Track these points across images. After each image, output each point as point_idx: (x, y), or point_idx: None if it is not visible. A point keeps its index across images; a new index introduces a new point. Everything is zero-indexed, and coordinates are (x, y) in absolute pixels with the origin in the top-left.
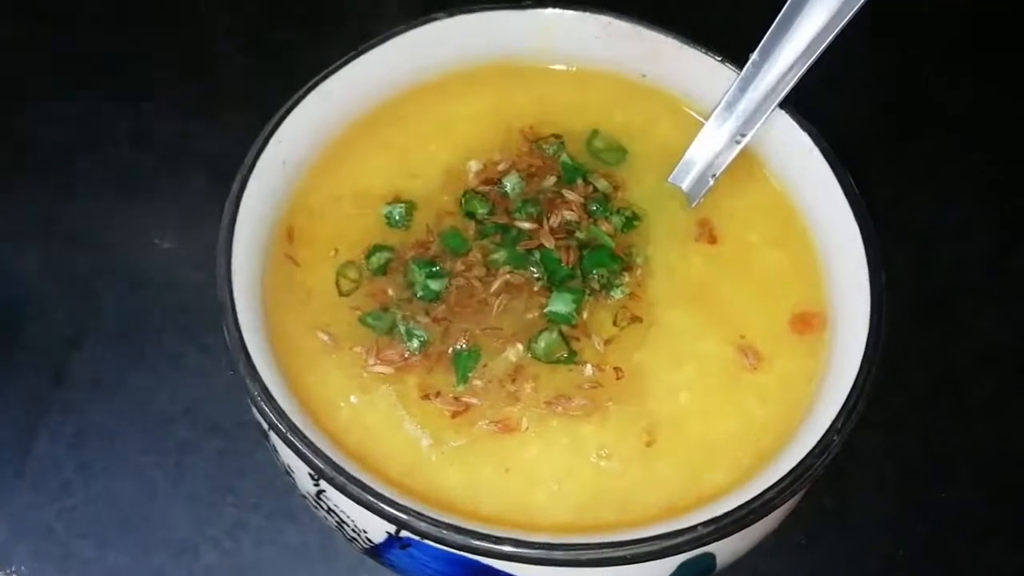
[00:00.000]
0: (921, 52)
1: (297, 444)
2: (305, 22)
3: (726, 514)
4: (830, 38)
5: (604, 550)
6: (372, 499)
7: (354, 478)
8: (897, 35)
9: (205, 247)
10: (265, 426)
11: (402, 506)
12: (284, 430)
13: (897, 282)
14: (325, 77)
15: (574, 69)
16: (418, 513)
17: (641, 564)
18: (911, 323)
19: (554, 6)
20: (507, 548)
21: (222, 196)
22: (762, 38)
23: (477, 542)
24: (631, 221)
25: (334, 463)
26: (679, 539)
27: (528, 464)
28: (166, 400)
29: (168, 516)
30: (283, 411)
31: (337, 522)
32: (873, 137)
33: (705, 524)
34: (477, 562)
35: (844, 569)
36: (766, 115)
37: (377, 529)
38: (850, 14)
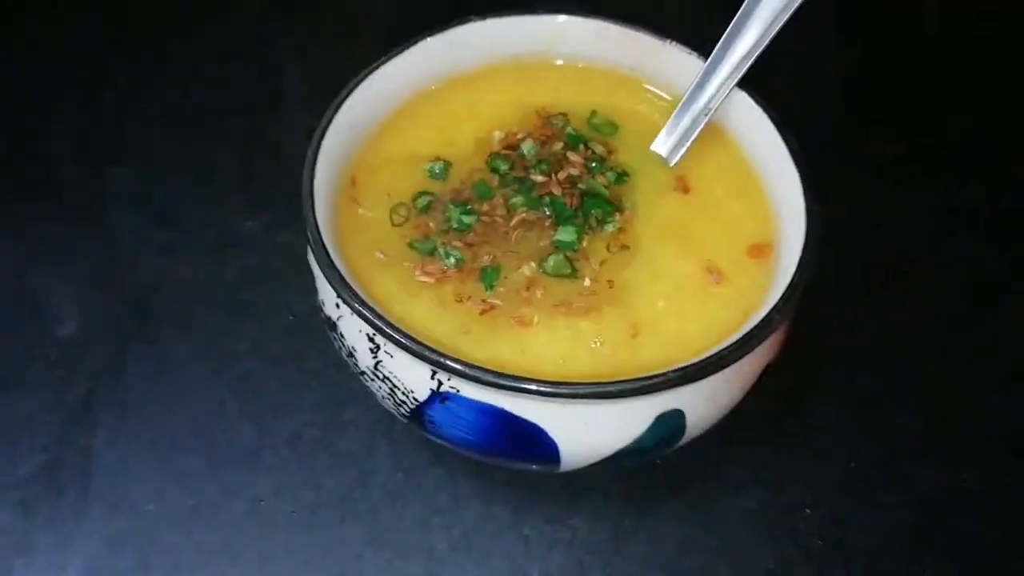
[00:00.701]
0: (884, 58)
1: (367, 315)
2: None
3: (689, 364)
4: (773, 33)
5: (598, 387)
6: (424, 349)
7: (408, 335)
8: (862, 38)
9: (262, 224)
10: (336, 311)
11: (446, 354)
12: (356, 305)
13: (850, 255)
14: (383, 63)
15: (578, 64)
16: (456, 359)
17: (627, 403)
18: (862, 289)
19: (561, 13)
20: (525, 384)
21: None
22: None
23: (504, 381)
24: (622, 176)
25: (394, 326)
26: (655, 380)
27: (539, 347)
28: (235, 337)
29: (235, 429)
30: (355, 292)
31: (390, 388)
32: (834, 135)
33: (674, 371)
34: (502, 409)
35: (806, 475)
36: (727, 92)
37: (422, 387)
38: (788, 14)
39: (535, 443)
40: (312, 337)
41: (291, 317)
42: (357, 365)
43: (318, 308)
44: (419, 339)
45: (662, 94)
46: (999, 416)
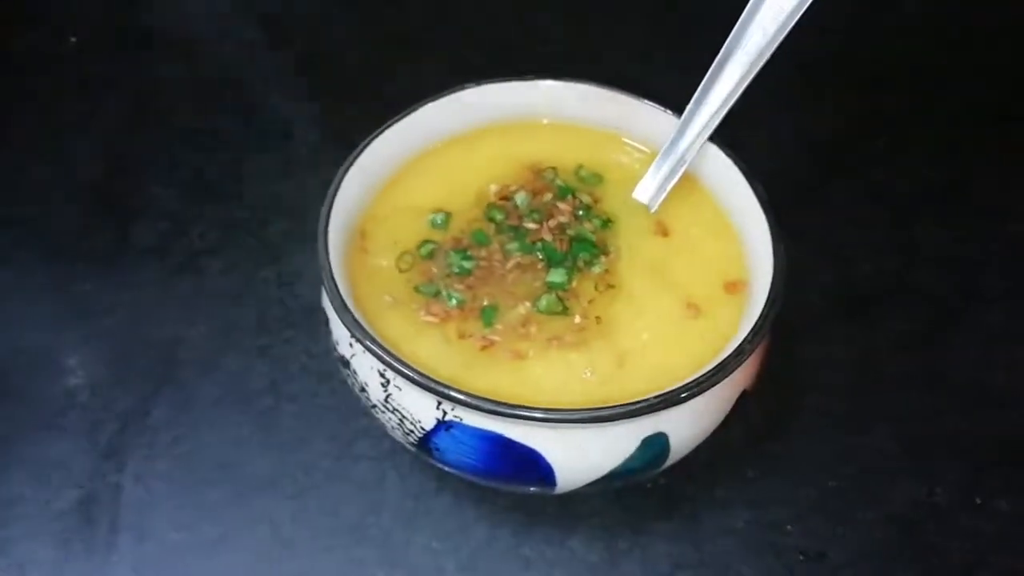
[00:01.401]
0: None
1: (378, 352)
2: None
3: (670, 390)
4: (740, 91)
5: (589, 413)
6: (430, 382)
7: (416, 370)
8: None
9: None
10: (349, 350)
11: (450, 386)
12: (368, 343)
13: (824, 289)
14: (389, 126)
15: (564, 123)
16: (460, 390)
17: (616, 427)
18: (835, 318)
19: (549, 79)
20: (522, 412)
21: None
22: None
23: (503, 409)
24: (607, 223)
25: (403, 361)
26: (640, 405)
27: (535, 378)
28: (254, 378)
29: (254, 460)
30: (367, 331)
31: (399, 419)
32: (805, 183)
33: (656, 397)
34: (501, 436)
35: (787, 494)
36: (700, 145)
37: (429, 417)
38: (751, 75)
39: (533, 466)
40: (325, 377)
41: (305, 359)
42: (369, 399)
43: (332, 348)
44: (425, 373)
45: (641, 147)
46: (963, 435)
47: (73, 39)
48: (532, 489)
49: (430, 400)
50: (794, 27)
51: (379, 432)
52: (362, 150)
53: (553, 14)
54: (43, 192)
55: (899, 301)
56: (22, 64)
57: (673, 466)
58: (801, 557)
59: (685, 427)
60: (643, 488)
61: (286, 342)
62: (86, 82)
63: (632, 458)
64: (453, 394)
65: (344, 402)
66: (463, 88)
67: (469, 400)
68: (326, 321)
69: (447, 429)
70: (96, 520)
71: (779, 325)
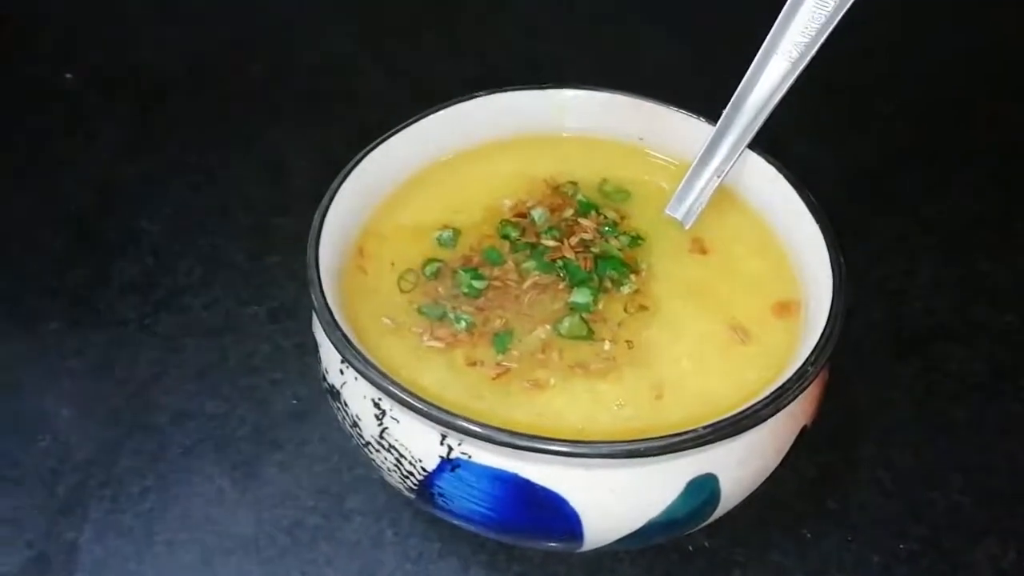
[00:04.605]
0: (904, 125)
1: (371, 376)
2: None
3: (721, 420)
4: (781, 94)
5: (623, 446)
6: (433, 410)
7: (416, 395)
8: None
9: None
10: (340, 378)
11: (457, 414)
12: (360, 365)
13: (877, 326)
14: (389, 136)
15: (584, 136)
16: (468, 418)
17: (656, 465)
18: (892, 358)
19: (568, 87)
20: (543, 445)
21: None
22: (731, 98)
23: (520, 441)
24: (636, 240)
25: (400, 386)
26: (685, 437)
27: (556, 411)
28: (235, 423)
29: (230, 517)
30: (359, 352)
31: (396, 458)
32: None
33: (705, 427)
34: (518, 476)
35: (852, 558)
36: (738, 154)
37: (431, 454)
38: (793, 77)
39: (555, 514)
40: (316, 421)
41: (294, 402)
42: (361, 435)
43: (322, 378)
44: (427, 399)
45: (669, 161)
46: None
47: (68, 75)
48: (553, 545)
49: (432, 433)
50: (831, 52)
51: (376, 484)
52: (360, 160)
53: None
54: (25, 225)
55: (957, 339)
56: (17, 98)
57: (717, 523)
58: None
59: (738, 467)
60: (684, 550)
61: (273, 384)
62: (79, 117)
63: (675, 506)
64: (460, 423)
65: (336, 450)
66: (472, 97)
67: (479, 430)
68: (316, 348)
69: (452, 469)
70: None
71: (828, 365)
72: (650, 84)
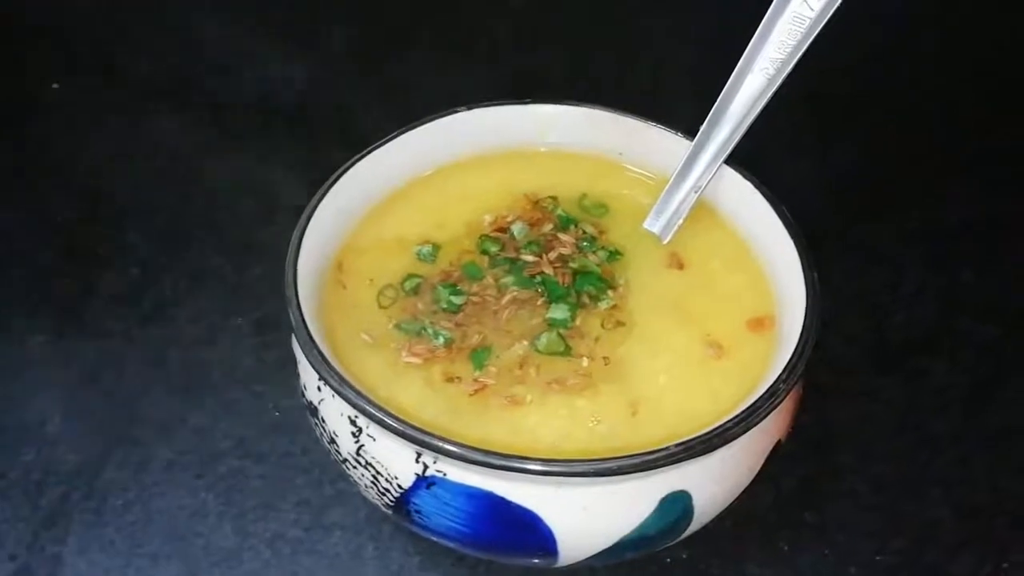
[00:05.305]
0: (878, 146)
1: (347, 394)
2: None
3: (694, 437)
4: (758, 111)
5: (596, 464)
6: (407, 428)
7: (390, 413)
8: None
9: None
10: (317, 395)
11: (431, 433)
12: (336, 383)
13: (859, 338)
14: (370, 151)
15: (563, 150)
16: (442, 437)
17: (629, 483)
18: (873, 370)
19: (549, 103)
20: (517, 463)
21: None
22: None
23: (494, 460)
24: (614, 255)
25: (375, 404)
26: (658, 455)
27: (532, 428)
28: (218, 437)
29: (213, 530)
30: (336, 370)
31: (373, 475)
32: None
33: (677, 445)
34: (492, 494)
35: (829, 570)
36: (715, 170)
37: (407, 472)
38: (770, 93)
39: (530, 531)
40: (299, 435)
41: (277, 414)
42: (339, 451)
43: (301, 393)
44: (402, 417)
45: (648, 175)
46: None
47: (55, 85)
48: (530, 561)
49: (408, 451)
50: (814, 63)
51: (357, 498)
52: (340, 175)
53: (553, 41)
54: (11, 237)
55: (939, 352)
56: (3, 109)
57: (695, 535)
58: None
59: (711, 484)
60: (661, 562)
61: (256, 396)
62: (68, 128)
63: (648, 523)
64: (434, 442)
65: (318, 463)
66: (453, 112)
67: (453, 449)
68: (295, 364)
69: (428, 487)
70: None
71: (805, 380)
72: (642, 97)
